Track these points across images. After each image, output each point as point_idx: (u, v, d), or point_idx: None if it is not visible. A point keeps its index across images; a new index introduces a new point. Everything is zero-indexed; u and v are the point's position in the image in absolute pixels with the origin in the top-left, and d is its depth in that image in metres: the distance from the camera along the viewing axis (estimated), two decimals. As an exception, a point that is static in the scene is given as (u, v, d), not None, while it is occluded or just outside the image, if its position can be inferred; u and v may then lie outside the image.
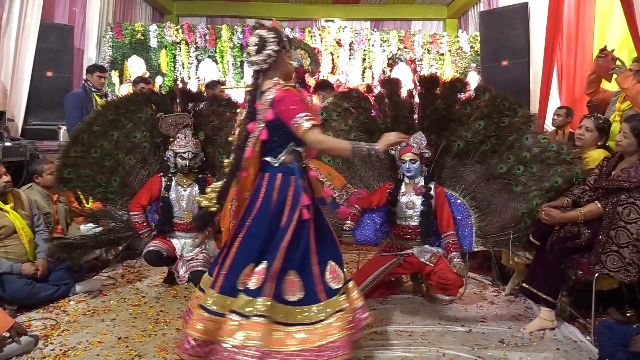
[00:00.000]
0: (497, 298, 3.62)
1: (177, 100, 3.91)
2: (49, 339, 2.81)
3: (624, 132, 2.85)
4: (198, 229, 3.51)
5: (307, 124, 2.21)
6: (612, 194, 2.80)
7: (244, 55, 2.43)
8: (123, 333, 2.92)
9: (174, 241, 3.73)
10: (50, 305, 3.34)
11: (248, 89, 2.40)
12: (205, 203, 2.42)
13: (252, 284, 2.21)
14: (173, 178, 3.71)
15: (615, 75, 3.72)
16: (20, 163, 4.41)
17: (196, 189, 3.73)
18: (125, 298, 3.53)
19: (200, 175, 3.78)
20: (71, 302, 3.42)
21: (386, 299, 3.57)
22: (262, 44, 2.30)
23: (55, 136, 5.55)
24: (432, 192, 3.43)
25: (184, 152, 3.66)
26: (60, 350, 2.69)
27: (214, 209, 2.40)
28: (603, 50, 4.10)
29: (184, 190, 3.72)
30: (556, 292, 3.00)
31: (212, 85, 6.06)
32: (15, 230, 3.32)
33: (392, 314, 3.29)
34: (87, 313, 3.23)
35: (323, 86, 5.36)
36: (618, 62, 3.76)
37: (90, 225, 4.03)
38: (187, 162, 3.67)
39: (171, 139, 3.75)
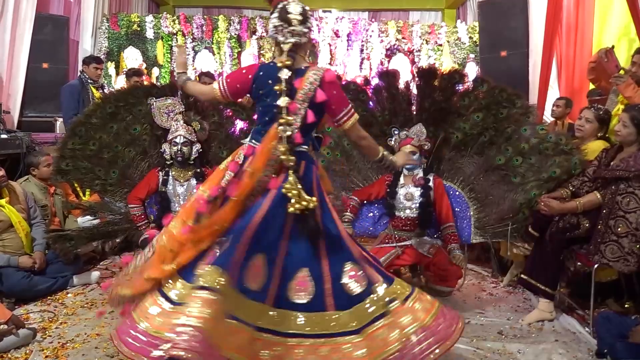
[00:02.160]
0: (496, 289, 3.62)
1: (179, 93, 3.83)
2: (47, 332, 2.80)
3: (623, 121, 2.84)
4: None
5: (356, 116, 2.19)
6: (611, 184, 2.79)
7: (276, 22, 2.15)
8: (121, 325, 2.91)
9: None
10: (48, 297, 3.33)
11: (286, 63, 2.12)
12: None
13: None
14: (170, 172, 3.66)
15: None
16: (17, 155, 4.39)
17: (194, 183, 3.65)
18: (123, 290, 3.52)
19: (198, 170, 3.71)
20: (69, 295, 3.41)
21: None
22: (305, 16, 2.16)
23: (52, 128, 5.53)
24: (430, 184, 3.42)
25: (176, 137, 3.57)
26: (59, 342, 2.68)
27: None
28: (609, 50, 4.06)
29: (181, 186, 3.63)
30: (555, 284, 2.99)
31: (207, 76, 6.02)
32: (12, 224, 3.31)
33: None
34: (85, 305, 3.22)
35: None
36: (621, 72, 3.72)
37: (88, 217, 4.02)
38: (180, 148, 3.56)
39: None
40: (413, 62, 7.75)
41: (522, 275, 3.10)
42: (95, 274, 3.70)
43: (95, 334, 2.79)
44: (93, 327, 2.89)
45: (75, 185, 4.14)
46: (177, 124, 3.61)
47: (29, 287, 3.25)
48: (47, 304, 3.24)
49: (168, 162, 3.67)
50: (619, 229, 2.66)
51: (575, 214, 2.88)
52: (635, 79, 3.66)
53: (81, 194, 4.27)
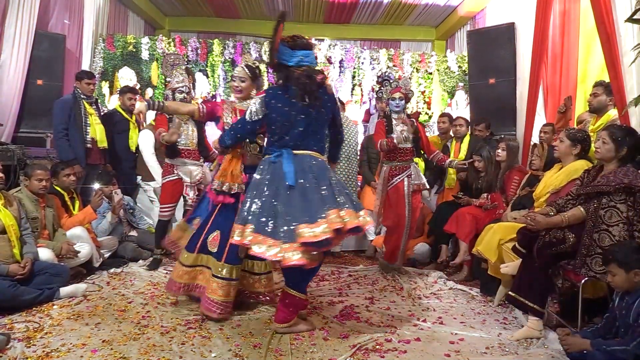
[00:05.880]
0: (485, 308, 3.62)
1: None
2: (31, 341, 2.75)
3: (602, 139, 2.91)
4: None
5: None
6: (593, 199, 2.85)
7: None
8: (107, 336, 2.87)
9: (181, 170, 4.39)
10: (34, 309, 3.28)
11: None
12: None
13: None
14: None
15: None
16: (8, 167, 4.38)
17: (193, 122, 4.42)
18: (110, 303, 3.47)
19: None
20: (55, 307, 3.36)
21: (373, 303, 3.61)
22: None
23: (43, 143, 5.54)
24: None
25: (182, 86, 4.32)
26: (43, 351, 2.63)
27: None
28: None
29: (184, 124, 4.38)
30: (543, 300, 3.00)
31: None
32: (4, 227, 3.30)
33: (378, 319, 3.30)
34: (72, 317, 3.17)
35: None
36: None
37: (77, 231, 4.02)
38: (185, 96, 4.30)
39: (167, 82, 4.63)
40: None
41: (510, 293, 3.10)
42: (82, 287, 3.65)
43: (81, 344, 2.74)
44: (79, 337, 2.84)
45: (66, 199, 4.15)
46: (182, 75, 4.36)
47: (15, 297, 3.19)
48: (32, 315, 3.18)
49: None
50: (604, 242, 2.71)
51: (561, 228, 2.92)
52: (591, 108, 4.10)
53: (71, 208, 4.26)
